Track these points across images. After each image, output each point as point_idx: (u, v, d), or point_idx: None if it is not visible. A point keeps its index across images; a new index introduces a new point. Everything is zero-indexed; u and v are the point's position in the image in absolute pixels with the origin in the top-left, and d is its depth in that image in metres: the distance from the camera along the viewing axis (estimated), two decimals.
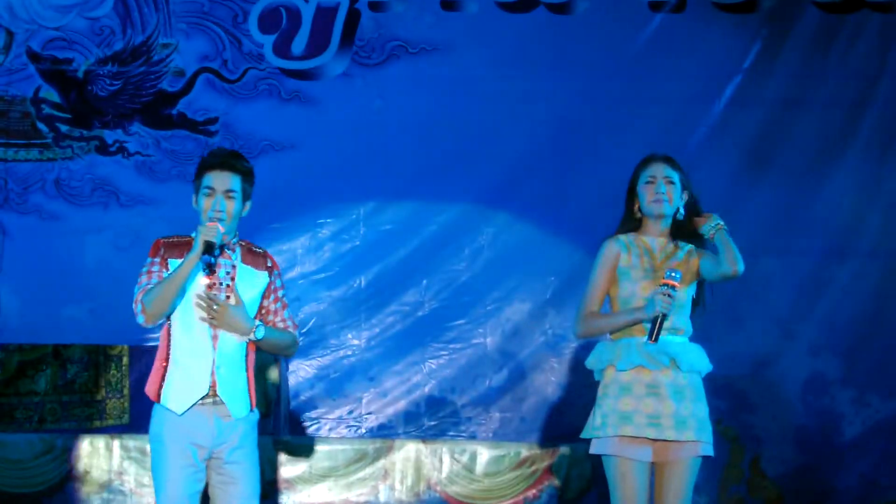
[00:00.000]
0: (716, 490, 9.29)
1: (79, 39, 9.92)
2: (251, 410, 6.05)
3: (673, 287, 5.88)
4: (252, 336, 5.97)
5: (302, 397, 9.72)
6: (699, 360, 6.16)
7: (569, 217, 9.76)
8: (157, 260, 6.06)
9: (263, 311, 6.13)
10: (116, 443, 8.65)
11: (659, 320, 5.87)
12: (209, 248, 5.82)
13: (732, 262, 6.15)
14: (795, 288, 9.55)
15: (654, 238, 6.22)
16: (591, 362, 6.28)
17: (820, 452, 9.35)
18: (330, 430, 9.68)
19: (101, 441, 8.68)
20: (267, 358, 8.75)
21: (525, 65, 9.90)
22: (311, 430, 9.67)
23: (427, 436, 9.46)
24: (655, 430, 6.03)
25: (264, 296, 6.13)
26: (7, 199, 9.80)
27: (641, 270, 6.17)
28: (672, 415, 6.04)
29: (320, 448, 8.76)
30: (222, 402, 5.96)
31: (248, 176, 6.15)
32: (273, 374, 9.06)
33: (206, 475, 6.04)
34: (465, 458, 8.69)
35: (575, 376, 9.63)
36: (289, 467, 8.66)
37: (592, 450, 6.15)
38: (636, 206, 6.31)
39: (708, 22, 9.87)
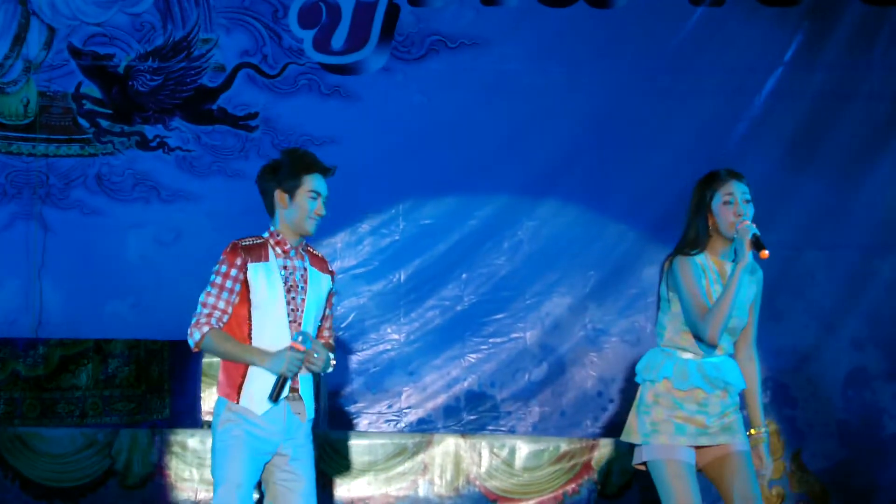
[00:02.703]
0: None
1: (120, 35, 9.96)
2: (314, 413, 6.10)
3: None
4: (328, 370, 6.06)
5: (341, 392, 9.76)
6: (741, 382, 6.21)
7: (609, 211, 9.82)
8: (234, 273, 5.97)
9: (327, 318, 6.18)
10: (157, 437, 8.82)
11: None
12: (283, 379, 5.83)
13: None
14: (838, 281, 9.55)
15: (725, 263, 6.17)
16: (642, 368, 6.31)
17: (862, 447, 9.32)
18: (369, 424, 9.70)
19: (141, 435, 8.85)
20: None
21: (565, 59, 9.91)
22: (350, 425, 9.71)
23: (466, 430, 9.53)
24: (707, 437, 6.09)
25: (327, 300, 6.14)
26: (49, 195, 9.84)
27: (712, 296, 6.16)
28: (719, 424, 6.10)
29: (360, 442, 8.89)
30: (300, 400, 6.00)
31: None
32: None
33: (266, 473, 6.06)
34: (504, 453, 8.81)
35: (615, 371, 9.76)
36: (328, 462, 8.75)
37: (642, 457, 6.20)
38: (711, 225, 6.21)
39: (749, 15, 9.85)
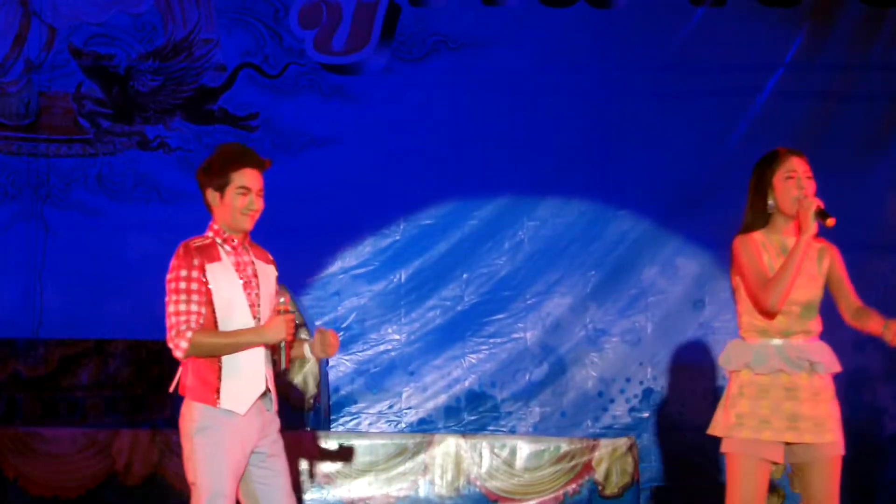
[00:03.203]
0: None
1: (120, 35, 10.02)
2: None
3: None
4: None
5: (342, 392, 9.79)
6: (832, 361, 6.15)
7: (610, 211, 9.85)
8: (195, 274, 5.89)
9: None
10: (158, 437, 8.67)
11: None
12: (285, 345, 5.86)
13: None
14: None
15: (789, 238, 6.13)
16: (724, 360, 6.27)
17: (861, 447, 9.29)
18: (370, 424, 9.77)
19: (142, 436, 8.69)
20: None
21: (566, 59, 9.93)
22: (350, 425, 9.76)
23: (467, 430, 9.54)
24: (794, 433, 6.02)
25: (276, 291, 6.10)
26: (49, 195, 9.88)
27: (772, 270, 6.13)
28: (811, 417, 6.04)
29: (360, 443, 8.72)
30: (270, 396, 5.95)
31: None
32: (313, 368, 9.11)
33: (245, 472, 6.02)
34: (505, 453, 8.66)
35: (615, 371, 9.80)
36: (328, 462, 8.65)
37: (724, 448, 6.13)
38: (770, 203, 6.15)
39: (749, 15, 9.86)
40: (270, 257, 6.10)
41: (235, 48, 10.03)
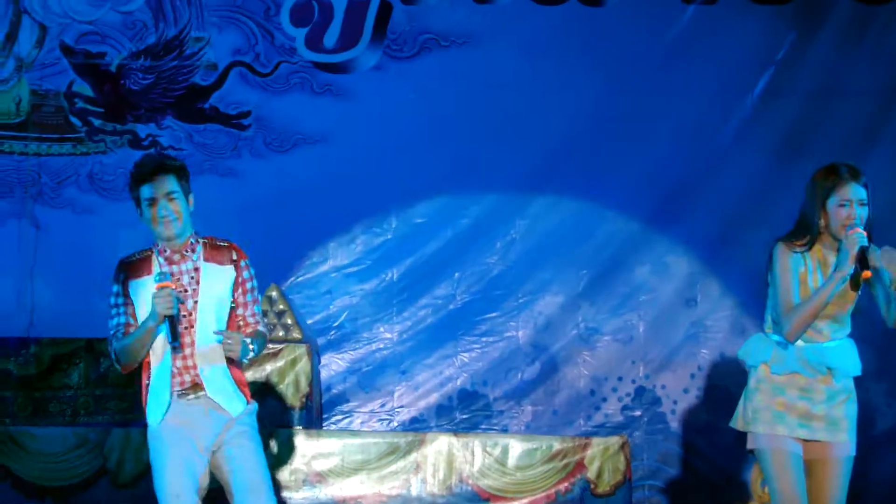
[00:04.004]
0: (748, 481, 9.38)
1: (112, 33, 9.97)
2: (247, 404, 6.08)
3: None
4: (247, 357, 6.04)
5: (334, 390, 9.81)
6: (854, 365, 6.18)
7: (601, 210, 9.88)
8: (118, 289, 6.10)
9: (234, 305, 6.12)
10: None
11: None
12: (170, 319, 5.86)
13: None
14: None
15: (831, 254, 6.09)
16: (743, 353, 6.28)
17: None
18: (362, 423, 9.78)
19: (134, 434, 8.64)
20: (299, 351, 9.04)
21: (557, 57, 9.95)
22: (343, 424, 9.79)
23: (459, 429, 9.57)
24: (807, 430, 6.03)
25: (233, 290, 6.11)
26: (41, 193, 9.88)
27: (808, 284, 6.10)
28: (824, 416, 6.06)
29: (352, 441, 8.76)
30: (208, 398, 5.99)
31: (181, 172, 6.13)
32: (305, 367, 9.03)
33: (217, 474, 6.07)
34: (497, 452, 8.69)
35: (607, 370, 9.82)
36: (321, 460, 8.66)
37: (749, 445, 6.14)
38: (823, 223, 6.10)
39: (741, 13, 9.89)
40: (235, 257, 6.13)
41: (227, 46, 10.01)
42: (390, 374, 9.83)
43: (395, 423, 9.79)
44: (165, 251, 6.03)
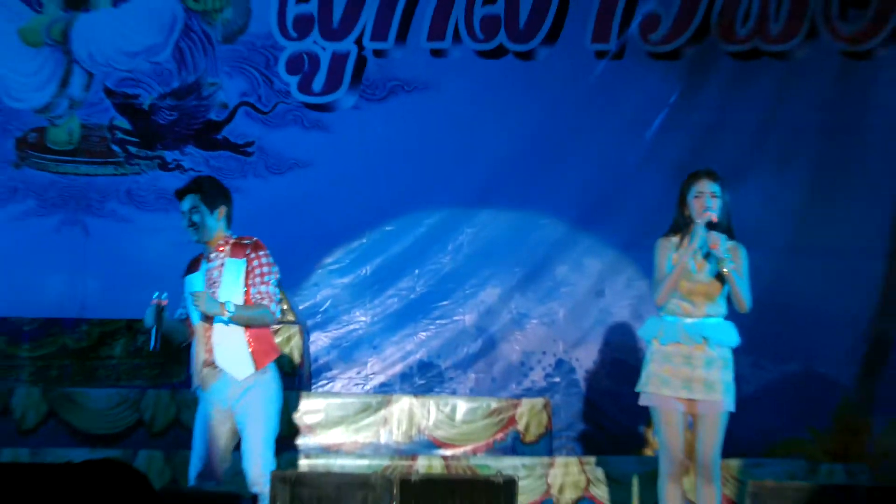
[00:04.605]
0: (643, 432, 9.62)
1: (144, 79, 10.44)
2: (256, 371, 6.53)
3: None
4: (226, 314, 6.43)
5: (320, 361, 10.16)
6: (728, 337, 6.61)
7: (532, 222, 10.30)
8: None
9: (247, 288, 6.52)
10: (177, 395, 9.14)
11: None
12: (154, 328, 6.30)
13: (739, 301, 6.63)
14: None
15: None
16: (642, 332, 6.83)
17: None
18: (342, 387, 10.11)
19: (164, 395, 9.16)
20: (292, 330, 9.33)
21: (497, 99, 10.32)
22: (327, 387, 10.12)
23: (418, 392, 9.88)
24: (687, 391, 6.54)
25: (247, 277, 6.52)
26: (89, 206, 10.31)
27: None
28: (703, 380, 6.54)
29: (334, 401, 9.18)
30: (217, 368, 6.53)
31: (202, 191, 6.61)
32: (298, 343, 9.37)
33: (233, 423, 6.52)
34: (447, 410, 9.20)
35: (534, 346, 10.21)
36: (310, 415, 9.07)
37: (641, 401, 6.66)
38: (686, 214, 6.62)
39: (642, 66, 10.27)
40: (248, 251, 6.54)
41: (235, 90, 10.42)
42: (364, 349, 10.20)
43: (368, 387, 10.11)
44: (205, 251, 6.68)
